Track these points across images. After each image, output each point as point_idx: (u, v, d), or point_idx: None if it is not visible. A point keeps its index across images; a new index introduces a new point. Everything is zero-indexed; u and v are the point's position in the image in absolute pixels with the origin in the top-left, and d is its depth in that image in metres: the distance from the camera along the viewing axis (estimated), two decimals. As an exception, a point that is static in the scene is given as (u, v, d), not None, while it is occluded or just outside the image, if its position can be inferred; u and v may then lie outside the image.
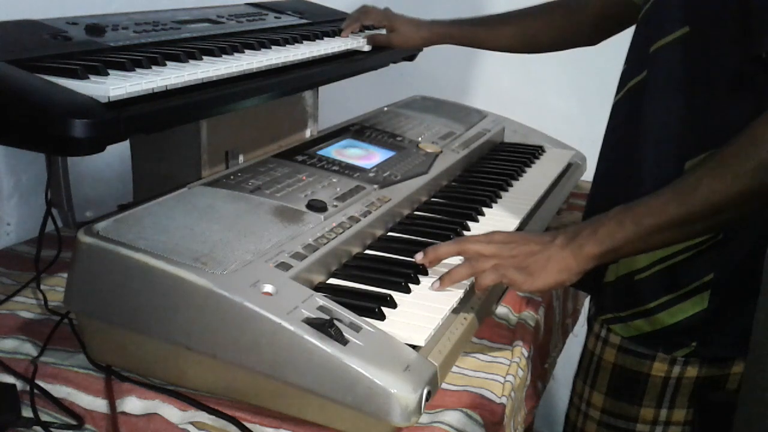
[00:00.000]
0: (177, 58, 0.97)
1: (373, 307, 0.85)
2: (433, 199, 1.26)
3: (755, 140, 0.76)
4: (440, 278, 0.91)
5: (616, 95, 1.02)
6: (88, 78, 0.84)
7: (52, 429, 0.81)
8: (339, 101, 1.63)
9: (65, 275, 0.91)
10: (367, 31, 1.42)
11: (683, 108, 0.91)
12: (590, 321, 1.08)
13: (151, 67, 0.92)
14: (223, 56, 1.04)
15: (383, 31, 1.42)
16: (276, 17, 1.41)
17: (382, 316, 0.84)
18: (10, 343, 0.93)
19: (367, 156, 1.27)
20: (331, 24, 1.45)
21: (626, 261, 0.96)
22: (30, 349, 0.92)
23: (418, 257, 0.94)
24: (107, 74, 0.86)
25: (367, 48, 1.38)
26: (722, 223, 0.82)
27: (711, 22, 0.87)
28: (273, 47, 1.16)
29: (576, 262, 0.85)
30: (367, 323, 0.80)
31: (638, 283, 0.96)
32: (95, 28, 1.03)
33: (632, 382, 1.00)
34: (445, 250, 0.92)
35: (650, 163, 0.94)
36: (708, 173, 0.79)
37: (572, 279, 0.86)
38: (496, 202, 1.26)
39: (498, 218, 1.19)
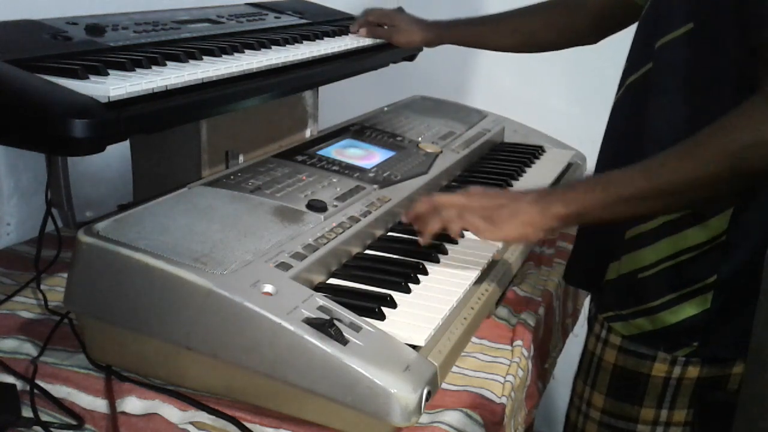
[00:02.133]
0: (177, 58, 0.97)
1: (373, 307, 0.85)
2: (433, 199, 1.25)
3: (723, 129, 0.79)
4: (420, 234, 0.98)
5: (616, 93, 1.02)
6: (88, 78, 0.84)
7: (52, 429, 0.81)
8: (339, 101, 1.63)
9: (65, 275, 0.91)
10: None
11: (687, 104, 0.91)
12: (590, 321, 1.08)
13: (151, 67, 0.92)
14: (223, 56, 1.03)
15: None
16: (276, 17, 1.41)
17: (382, 316, 0.84)
18: (10, 343, 0.93)
19: (367, 156, 1.27)
20: (331, 24, 1.45)
21: (630, 259, 0.96)
22: (30, 349, 0.92)
23: (402, 218, 1.04)
24: (107, 74, 0.86)
25: (368, 41, 1.38)
26: (686, 202, 0.85)
27: (714, 17, 0.87)
28: (273, 47, 1.15)
29: (542, 219, 0.89)
30: (367, 323, 0.80)
31: (642, 282, 0.96)
32: (95, 28, 1.03)
33: (633, 382, 1.00)
34: (420, 206, 0.99)
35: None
36: (676, 154, 0.83)
37: (536, 235, 0.90)
38: (496, 202, 1.26)
39: (498, 218, 1.19)
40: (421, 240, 0.99)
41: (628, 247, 0.97)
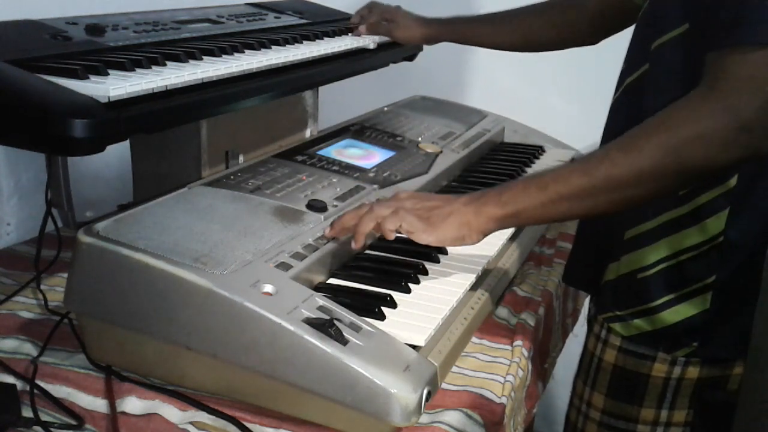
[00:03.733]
0: (177, 58, 0.97)
1: (373, 307, 0.85)
2: (433, 199, 1.26)
3: (663, 123, 0.79)
4: (353, 239, 0.93)
5: (614, 94, 1.02)
6: (88, 78, 0.84)
7: (52, 429, 0.81)
8: (339, 101, 1.63)
9: (65, 275, 0.91)
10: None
11: None
12: (590, 321, 1.08)
13: (151, 67, 0.92)
14: (223, 56, 1.03)
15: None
16: (276, 17, 1.41)
17: (382, 316, 0.84)
18: (10, 343, 0.93)
19: (367, 156, 1.27)
20: (331, 24, 1.45)
21: (629, 259, 0.96)
22: (30, 349, 0.92)
23: (326, 232, 0.95)
24: (107, 74, 0.86)
25: (369, 43, 1.38)
26: (626, 200, 0.82)
27: (710, 18, 0.87)
28: (273, 47, 1.16)
29: (477, 221, 0.87)
30: (367, 323, 0.80)
31: (641, 282, 0.96)
32: (95, 28, 1.03)
33: (632, 382, 1.00)
34: (348, 217, 0.94)
35: None
36: (614, 148, 0.81)
37: (472, 238, 0.88)
38: (496, 202, 1.26)
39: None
40: (353, 244, 0.94)
41: (628, 247, 0.97)
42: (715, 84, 0.77)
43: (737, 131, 0.74)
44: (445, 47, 1.46)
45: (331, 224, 0.96)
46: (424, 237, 0.89)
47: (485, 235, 0.89)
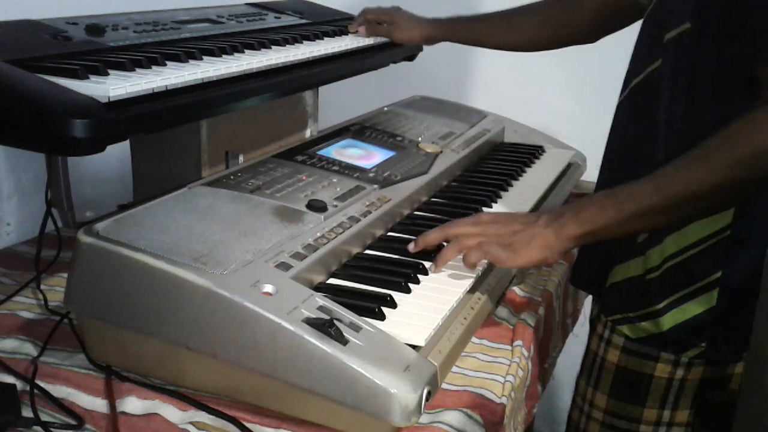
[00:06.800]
0: (177, 58, 0.97)
1: (373, 307, 0.85)
2: (433, 199, 1.26)
3: (735, 137, 0.79)
4: (434, 261, 0.96)
5: (620, 96, 1.01)
6: (88, 78, 0.84)
7: (52, 429, 0.81)
8: (339, 101, 1.63)
9: (65, 275, 0.91)
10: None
11: (686, 104, 0.91)
12: (593, 322, 1.08)
13: (151, 67, 0.92)
14: (223, 56, 1.03)
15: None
16: (276, 17, 1.41)
17: (382, 316, 0.84)
18: (10, 343, 0.93)
19: (367, 156, 1.27)
20: (331, 24, 1.45)
21: (638, 261, 0.96)
22: (30, 349, 0.92)
23: (410, 247, 0.98)
24: (107, 74, 0.86)
25: (368, 41, 1.37)
26: (700, 211, 0.85)
27: (709, 18, 0.87)
28: (273, 47, 1.16)
29: (558, 241, 0.89)
30: (367, 323, 0.80)
31: (648, 283, 0.95)
32: (95, 28, 1.03)
33: (635, 383, 0.99)
34: (433, 237, 0.97)
35: (656, 160, 0.93)
36: (687, 163, 0.82)
37: (554, 257, 0.91)
38: (496, 202, 1.26)
39: (498, 218, 1.19)
40: (433, 268, 0.96)
41: (637, 250, 0.96)
42: None
43: None
44: (445, 47, 1.46)
45: (416, 240, 0.98)
46: (510, 264, 0.91)
47: (565, 253, 0.92)
